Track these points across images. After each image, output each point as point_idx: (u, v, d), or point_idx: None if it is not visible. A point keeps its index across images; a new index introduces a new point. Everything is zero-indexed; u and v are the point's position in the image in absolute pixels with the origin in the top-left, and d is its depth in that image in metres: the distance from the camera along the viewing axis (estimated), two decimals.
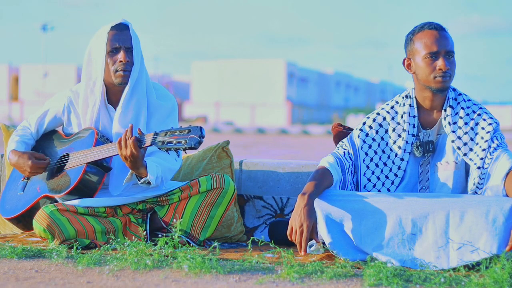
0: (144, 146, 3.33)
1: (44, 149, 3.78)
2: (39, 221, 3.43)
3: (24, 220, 3.68)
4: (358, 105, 64.62)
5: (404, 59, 3.43)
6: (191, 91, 58.12)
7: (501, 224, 3.01)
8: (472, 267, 2.99)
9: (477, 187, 3.29)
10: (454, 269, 2.99)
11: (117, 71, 3.59)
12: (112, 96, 3.67)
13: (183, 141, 3.18)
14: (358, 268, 3.03)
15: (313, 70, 62.96)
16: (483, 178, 3.28)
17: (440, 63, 3.30)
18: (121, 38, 3.59)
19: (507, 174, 3.19)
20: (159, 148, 3.26)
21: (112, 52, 3.59)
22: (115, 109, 3.66)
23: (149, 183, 3.46)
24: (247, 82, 55.56)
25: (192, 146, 3.15)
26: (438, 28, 3.34)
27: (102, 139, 3.59)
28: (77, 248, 3.33)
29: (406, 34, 3.43)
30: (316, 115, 56.75)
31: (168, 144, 3.22)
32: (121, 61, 3.58)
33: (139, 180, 3.46)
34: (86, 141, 3.59)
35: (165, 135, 3.25)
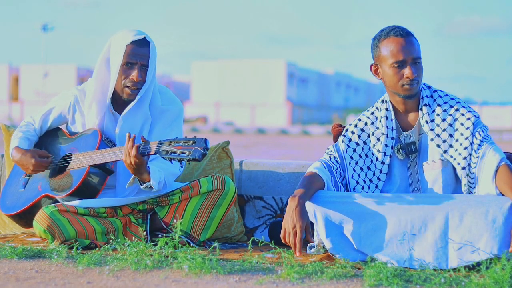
0: (148, 154, 3.34)
1: (47, 146, 3.77)
2: (40, 222, 3.43)
3: (25, 217, 3.69)
4: (358, 105, 64.55)
5: (371, 65, 3.41)
6: (191, 91, 58.06)
7: (500, 224, 3.00)
8: (473, 267, 2.99)
9: (470, 186, 3.28)
10: (454, 269, 2.99)
11: (126, 86, 3.57)
12: (118, 101, 3.66)
13: (187, 152, 3.20)
14: (358, 269, 3.03)
15: (313, 70, 62.90)
16: (473, 178, 3.26)
17: (407, 71, 3.28)
18: (139, 55, 3.55)
19: (496, 172, 3.16)
20: (162, 157, 3.27)
21: (127, 66, 3.56)
22: (120, 114, 3.66)
23: (151, 187, 3.47)
24: (247, 82, 55.51)
25: (196, 158, 3.17)
26: (403, 35, 3.30)
27: (106, 141, 3.59)
28: (77, 248, 3.33)
29: (372, 38, 3.40)
30: (316, 115, 56.70)
31: (172, 154, 3.23)
32: (133, 79, 3.55)
33: (141, 185, 3.47)
34: (90, 142, 3.58)
35: (169, 144, 3.26)
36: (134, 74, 3.55)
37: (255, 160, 4.23)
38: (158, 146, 3.29)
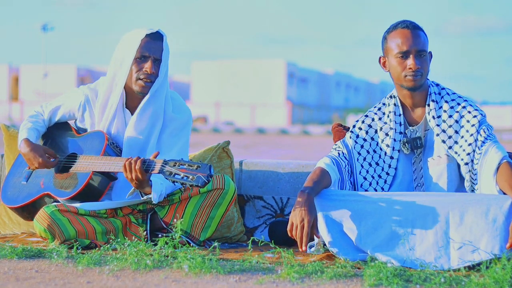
0: (151, 172, 3.34)
1: (54, 139, 3.77)
2: (40, 221, 3.43)
3: (27, 210, 3.68)
4: (358, 105, 64.54)
5: (380, 57, 3.46)
6: (191, 91, 58.05)
7: (501, 223, 3.01)
8: (473, 267, 2.99)
9: (472, 183, 3.29)
10: (454, 269, 2.99)
11: (139, 79, 3.56)
12: (130, 101, 3.66)
13: (190, 177, 3.19)
14: (358, 268, 3.03)
15: (313, 70, 62.89)
16: (475, 174, 3.28)
17: (410, 62, 3.32)
18: (153, 48, 3.56)
19: (497, 168, 3.18)
20: (165, 178, 3.27)
21: (140, 59, 3.56)
22: (132, 114, 3.65)
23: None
24: (247, 82, 55.50)
25: (198, 185, 3.17)
26: (410, 27, 3.35)
27: (112, 146, 3.58)
28: (77, 248, 3.33)
29: (383, 33, 3.46)
30: (316, 115, 56.70)
31: (175, 176, 3.23)
32: (146, 71, 3.55)
33: (142, 196, 3.47)
34: (96, 145, 3.58)
35: (174, 165, 3.25)
36: (148, 65, 3.55)
37: (255, 160, 4.23)
38: (162, 166, 3.28)
